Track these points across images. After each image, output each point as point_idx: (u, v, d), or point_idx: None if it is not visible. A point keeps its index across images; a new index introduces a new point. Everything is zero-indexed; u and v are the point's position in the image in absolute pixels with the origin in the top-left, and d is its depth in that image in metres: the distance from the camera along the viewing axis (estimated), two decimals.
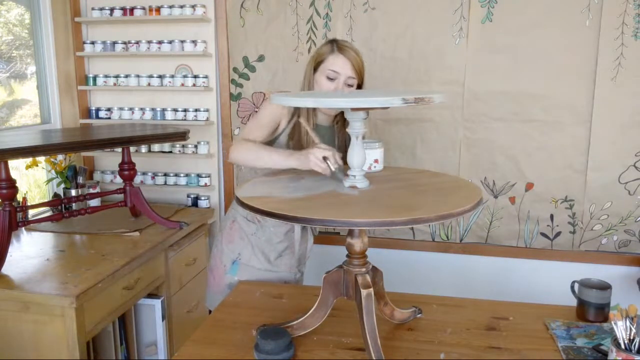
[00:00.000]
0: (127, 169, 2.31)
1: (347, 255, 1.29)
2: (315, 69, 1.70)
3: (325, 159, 1.36)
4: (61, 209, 2.39)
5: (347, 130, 1.25)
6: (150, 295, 2.22)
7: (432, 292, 1.70)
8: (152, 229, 2.31)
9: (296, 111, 1.69)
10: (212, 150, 2.79)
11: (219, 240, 1.87)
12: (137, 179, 2.75)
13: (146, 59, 2.77)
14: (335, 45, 1.66)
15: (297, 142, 1.70)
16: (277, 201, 1.19)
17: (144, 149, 2.80)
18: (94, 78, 2.82)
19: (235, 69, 2.69)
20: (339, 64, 1.64)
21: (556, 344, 1.30)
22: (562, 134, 2.44)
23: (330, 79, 1.65)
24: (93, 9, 2.75)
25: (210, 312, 1.83)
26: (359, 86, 1.71)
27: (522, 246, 2.59)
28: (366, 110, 1.22)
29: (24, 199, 2.25)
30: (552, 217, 2.53)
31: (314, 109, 1.70)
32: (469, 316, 1.46)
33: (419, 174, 1.50)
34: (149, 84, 2.74)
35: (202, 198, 2.78)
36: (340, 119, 1.77)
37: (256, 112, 2.65)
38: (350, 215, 1.07)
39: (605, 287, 1.43)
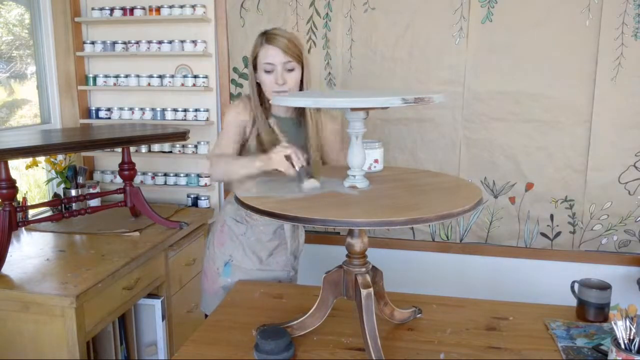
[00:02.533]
0: (127, 169, 2.31)
1: (347, 255, 1.29)
2: (255, 68, 1.69)
3: (288, 158, 1.39)
4: (61, 209, 2.39)
5: (347, 130, 1.25)
6: (150, 295, 2.22)
7: (432, 292, 1.70)
8: (152, 229, 2.31)
9: (257, 113, 1.70)
10: None
11: (211, 243, 1.88)
12: (137, 179, 2.75)
13: (146, 59, 2.77)
14: (264, 37, 1.65)
15: (268, 143, 1.68)
16: (277, 201, 1.19)
17: (144, 149, 2.80)
18: (94, 78, 2.82)
19: (235, 69, 2.69)
20: (270, 55, 1.63)
21: (556, 344, 1.30)
22: (562, 134, 2.44)
23: (267, 71, 1.64)
24: (93, 9, 2.75)
25: (206, 316, 1.84)
26: (303, 67, 1.69)
27: (522, 246, 2.59)
28: (366, 110, 1.22)
29: (24, 199, 2.25)
30: (552, 217, 2.53)
31: (270, 104, 1.71)
32: (469, 316, 1.46)
33: (419, 174, 1.50)
34: (149, 84, 2.74)
35: (202, 198, 2.78)
36: (302, 109, 1.76)
37: None
38: (350, 215, 1.07)
39: (605, 287, 1.43)
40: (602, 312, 1.42)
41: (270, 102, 1.70)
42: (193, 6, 2.63)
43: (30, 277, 1.82)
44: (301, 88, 1.71)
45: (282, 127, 1.65)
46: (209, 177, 2.74)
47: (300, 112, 1.77)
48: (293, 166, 1.39)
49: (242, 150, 1.73)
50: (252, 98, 1.72)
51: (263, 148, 1.65)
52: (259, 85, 1.71)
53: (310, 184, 1.32)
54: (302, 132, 1.75)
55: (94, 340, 1.95)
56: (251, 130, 1.71)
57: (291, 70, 1.65)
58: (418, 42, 2.50)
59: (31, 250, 2.07)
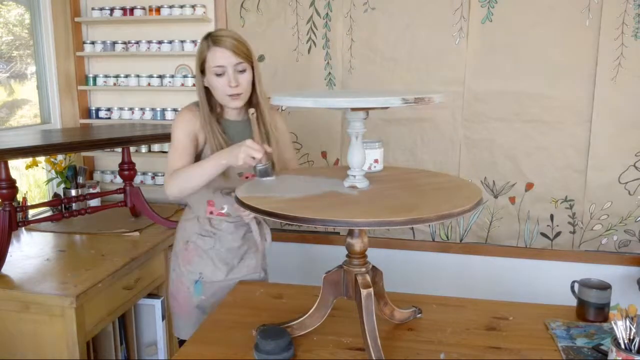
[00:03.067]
0: (127, 169, 2.31)
1: (347, 255, 1.29)
2: (203, 72, 1.61)
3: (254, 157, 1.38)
4: (61, 209, 2.39)
5: (347, 130, 1.25)
6: (150, 295, 2.22)
7: (432, 292, 1.70)
8: (152, 229, 2.31)
9: (207, 119, 1.62)
10: None
11: (176, 265, 1.79)
12: (137, 179, 2.75)
13: (146, 59, 2.77)
14: (210, 39, 1.57)
15: (220, 148, 1.61)
16: (277, 201, 1.19)
17: (144, 149, 2.80)
18: (94, 78, 2.82)
19: None
20: (219, 57, 1.55)
21: (556, 344, 1.30)
22: (562, 134, 2.44)
23: (218, 75, 1.57)
24: (93, 9, 2.75)
25: (180, 340, 1.79)
26: (253, 66, 1.62)
27: (522, 246, 2.59)
28: (366, 110, 1.22)
29: (24, 199, 2.25)
30: (552, 217, 2.53)
31: (221, 106, 1.66)
32: (469, 316, 1.46)
33: (419, 174, 1.50)
34: (149, 84, 2.74)
35: None
36: (255, 111, 1.63)
37: None
38: (350, 215, 1.07)
39: (605, 287, 1.43)
40: (602, 312, 1.42)
41: (224, 106, 1.65)
42: (193, 6, 2.63)
43: (30, 277, 1.82)
44: (254, 89, 1.65)
45: (231, 128, 1.66)
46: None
47: (257, 114, 1.67)
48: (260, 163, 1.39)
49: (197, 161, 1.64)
50: (200, 104, 1.63)
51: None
52: (206, 90, 1.64)
53: (267, 180, 1.37)
54: (250, 137, 1.68)
55: (94, 340, 1.95)
56: (205, 138, 1.63)
57: (242, 71, 1.59)
58: (418, 42, 2.50)
59: (31, 250, 2.07)
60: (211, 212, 1.74)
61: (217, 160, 1.47)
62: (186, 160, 1.59)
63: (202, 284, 1.75)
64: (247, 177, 1.67)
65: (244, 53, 1.58)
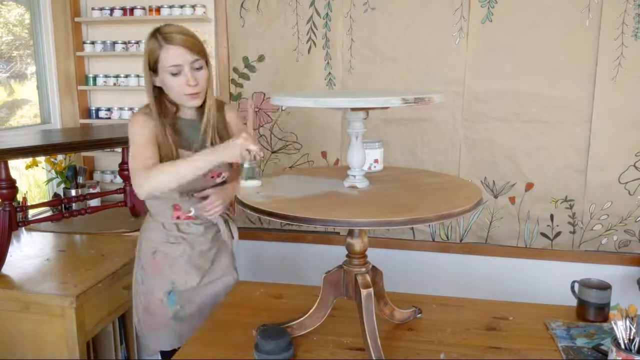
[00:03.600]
0: (127, 169, 2.31)
1: (347, 255, 1.29)
2: (155, 71, 1.52)
3: (248, 150, 1.32)
4: (61, 209, 2.39)
5: (347, 130, 1.25)
6: None
7: (432, 292, 1.70)
8: None
9: (161, 118, 1.52)
10: None
11: (144, 277, 1.65)
12: None
13: None
14: (161, 37, 1.47)
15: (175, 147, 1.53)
16: (277, 201, 1.19)
17: None
18: (94, 78, 2.82)
19: (235, 69, 2.69)
20: (174, 56, 1.46)
21: (556, 344, 1.30)
22: (562, 134, 2.44)
23: (174, 74, 1.47)
24: (93, 9, 2.75)
25: (163, 352, 1.70)
26: (207, 62, 1.55)
27: (522, 246, 2.59)
28: (366, 110, 1.22)
29: (24, 199, 2.25)
30: (552, 217, 2.53)
31: (176, 105, 1.57)
32: (469, 316, 1.46)
33: (419, 174, 1.50)
34: None
35: None
36: (209, 110, 1.57)
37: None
38: (350, 215, 1.07)
39: (605, 287, 1.43)
40: (602, 312, 1.42)
41: (180, 105, 1.57)
42: (193, 6, 2.63)
43: (30, 277, 1.82)
44: (207, 89, 1.56)
45: (185, 128, 1.57)
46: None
47: (212, 114, 1.60)
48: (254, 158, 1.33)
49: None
50: (151, 105, 1.53)
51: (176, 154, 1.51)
52: (159, 89, 1.55)
53: (253, 182, 1.34)
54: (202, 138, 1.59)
55: (94, 340, 1.95)
56: (162, 139, 1.52)
57: (199, 68, 1.51)
58: (418, 42, 2.50)
59: (31, 250, 2.07)
60: (178, 217, 1.64)
61: (207, 157, 1.38)
62: (153, 157, 1.47)
63: (176, 293, 1.64)
64: (212, 177, 1.61)
65: (200, 49, 1.51)
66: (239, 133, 1.38)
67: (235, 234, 1.74)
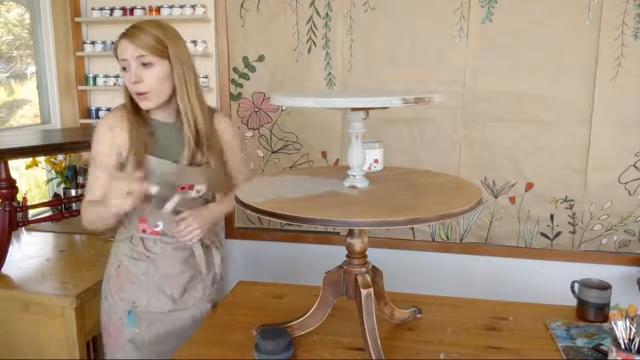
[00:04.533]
0: None
1: (347, 255, 1.29)
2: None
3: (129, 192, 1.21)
4: (61, 209, 2.40)
5: (347, 130, 1.25)
6: None
7: (432, 292, 1.70)
8: None
9: (134, 115, 1.42)
10: None
11: (108, 291, 1.52)
12: None
13: None
14: (124, 32, 1.38)
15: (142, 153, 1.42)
16: (277, 201, 1.19)
17: None
18: (94, 78, 2.82)
19: (235, 69, 2.69)
20: (120, 50, 1.37)
21: (556, 344, 1.30)
22: (562, 134, 2.44)
23: (124, 69, 1.38)
24: (93, 9, 2.75)
25: None
26: (171, 62, 1.39)
27: (522, 246, 2.59)
28: (366, 110, 1.22)
29: (24, 199, 2.25)
30: (552, 217, 2.53)
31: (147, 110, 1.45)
32: (469, 316, 1.46)
33: (419, 174, 1.50)
34: None
35: None
36: (186, 116, 1.43)
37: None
38: (350, 215, 1.07)
39: (605, 287, 1.43)
40: (602, 312, 1.42)
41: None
42: (193, 6, 2.63)
43: (30, 277, 1.82)
44: (175, 89, 1.41)
45: (161, 132, 1.45)
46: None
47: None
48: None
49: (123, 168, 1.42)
50: (125, 104, 1.44)
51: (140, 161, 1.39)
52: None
53: (171, 203, 1.31)
54: (181, 141, 1.45)
55: (94, 340, 1.95)
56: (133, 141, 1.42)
57: (147, 65, 1.36)
58: (418, 42, 2.50)
59: (31, 250, 2.07)
60: (144, 230, 1.49)
61: (106, 206, 1.28)
62: (107, 173, 1.38)
63: (136, 314, 1.49)
64: (182, 189, 1.43)
65: (150, 45, 1.35)
66: (116, 193, 1.23)
67: (218, 266, 1.59)
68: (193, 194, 1.46)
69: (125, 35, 1.37)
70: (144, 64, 1.36)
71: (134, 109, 1.43)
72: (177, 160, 1.43)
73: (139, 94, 1.37)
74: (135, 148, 1.39)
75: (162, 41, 1.37)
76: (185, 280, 1.52)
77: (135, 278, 1.49)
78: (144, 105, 1.40)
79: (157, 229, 1.48)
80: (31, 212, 2.42)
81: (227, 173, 1.57)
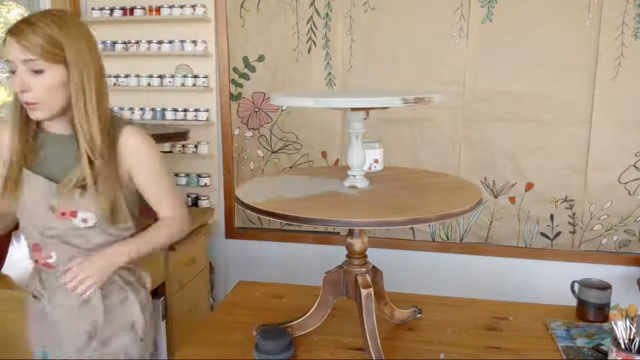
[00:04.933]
0: None
1: (347, 255, 1.29)
2: None
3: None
4: None
5: (347, 130, 1.25)
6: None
7: (432, 292, 1.70)
8: None
9: (19, 125, 1.21)
10: (212, 151, 2.78)
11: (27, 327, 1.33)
12: None
13: (146, 59, 2.77)
14: (10, 28, 1.14)
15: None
16: (277, 201, 1.19)
17: None
18: None
19: (235, 69, 2.69)
20: (7, 49, 1.12)
21: (556, 344, 1.30)
22: (562, 134, 2.44)
23: (12, 72, 1.14)
24: (93, 9, 2.75)
25: None
26: (68, 68, 1.15)
27: (522, 246, 2.59)
28: (366, 110, 1.22)
29: None
30: (552, 217, 2.53)
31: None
32: (469, 316, 1.46)
33: (419, 174, 1.50)
34: (148, 84, 2.74)
35: (202, 198, 2.78)
36: (80, 127, 1.20)
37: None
38: (350, 215, 1.07)
39: (605, 287, 1.43)
40: (602, 312, 1.42)
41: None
42: (193, 6, 2.63)
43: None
44: (71, 99, 1.18)
45: (52, 144, 1.23)
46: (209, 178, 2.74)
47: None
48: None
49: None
50: (9, 109, 1.23)
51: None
52: None
53: None
54: (75, 156, 1.20)
55: None
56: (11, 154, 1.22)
57: (38, 72, 1.13)
58: (418, 42, 2.50)
59: None
60: (36, 260, 1.25)
61: None
62: None
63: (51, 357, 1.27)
64: (63, 214, 1.20)
65: (41, 47, 1.11)
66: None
67: (136, 314, 1.29)
68: (76, 222, 1.20)
69: (11, 32, 1.12)
70: (34, 70, 1.13)
71: (23, 117, 1.21)
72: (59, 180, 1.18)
73: (26, 103, 1.16)
74: (10, 161, 1.20)
75: (58, 42, 1.12)
76: (100, 328, 1.25)
77: (40, 318, 1.26)
78: (33, 116, 1.18)
79: (50, 261, 1.23)
80: None
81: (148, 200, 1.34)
